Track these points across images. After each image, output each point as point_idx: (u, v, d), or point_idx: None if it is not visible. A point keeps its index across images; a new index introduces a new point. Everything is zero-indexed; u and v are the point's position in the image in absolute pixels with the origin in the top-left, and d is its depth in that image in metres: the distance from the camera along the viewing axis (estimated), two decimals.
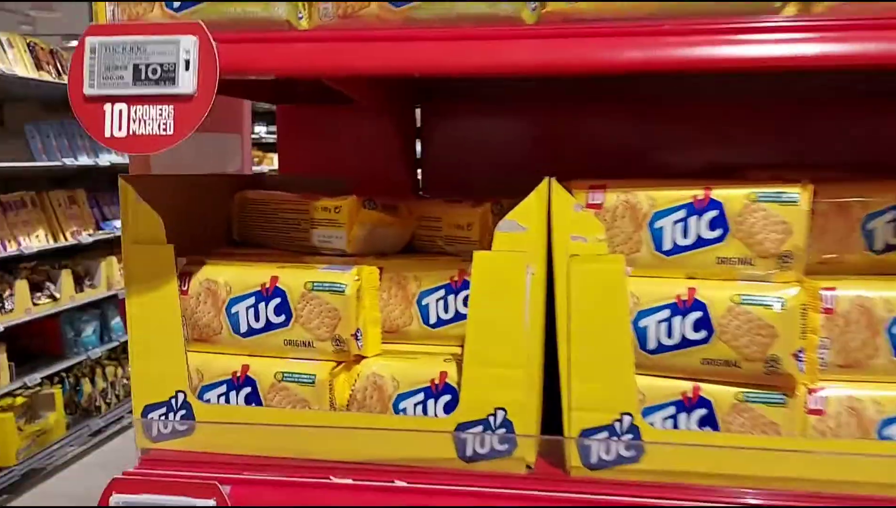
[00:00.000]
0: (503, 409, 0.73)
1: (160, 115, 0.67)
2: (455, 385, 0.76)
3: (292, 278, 0.80)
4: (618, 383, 0.71)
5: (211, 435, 0.78)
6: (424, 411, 0.77)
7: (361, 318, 0.79)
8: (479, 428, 0.74)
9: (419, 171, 1.22)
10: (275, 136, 3.48)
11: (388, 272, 0.85)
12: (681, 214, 0.71)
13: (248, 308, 0.80)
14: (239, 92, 1.13)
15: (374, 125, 1.21)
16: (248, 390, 0.79)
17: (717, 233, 0.71)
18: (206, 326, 0.83)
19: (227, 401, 0.80)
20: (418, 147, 1.22)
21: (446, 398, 0.77)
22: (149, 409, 0.80)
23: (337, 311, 0.78)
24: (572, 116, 1.16)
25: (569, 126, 1.17)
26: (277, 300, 0.79)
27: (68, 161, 3.27)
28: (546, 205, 0.72)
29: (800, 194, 0.70)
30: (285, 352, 0.80)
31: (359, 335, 0.79)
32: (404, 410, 0.77)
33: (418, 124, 1.22)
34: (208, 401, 0.80)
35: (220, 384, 0.80)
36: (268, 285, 0.80)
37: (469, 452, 0.74)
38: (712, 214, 0.71)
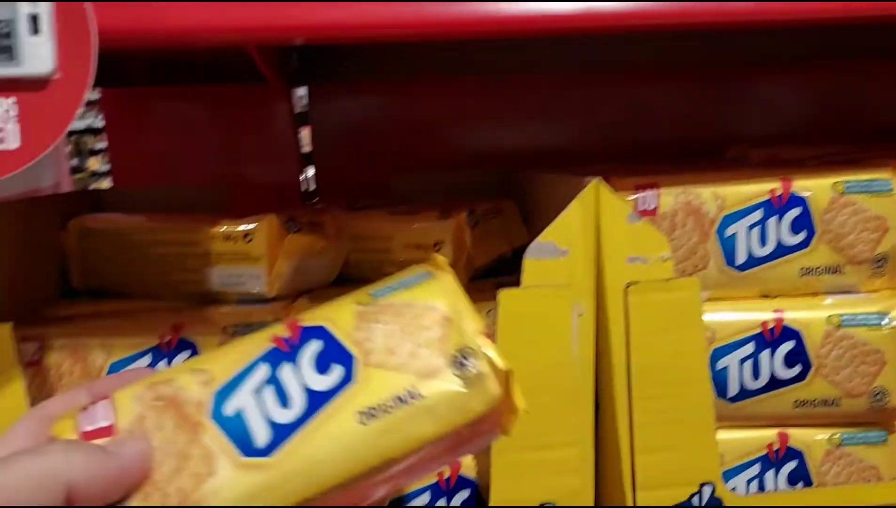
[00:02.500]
0: (551, 503, 0.53)
1: None
2: (474, 478, 0.54)
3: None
4: (696, 447, 0.54)
5: None
6: None
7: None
8: None
9: (308, 170, 0.96)
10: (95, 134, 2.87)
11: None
12: (756, 215, 0.54)
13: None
14: None
15: (243, 110, 0.93)
16: None
17: (801, 237, 0.55)
18: None
19: None
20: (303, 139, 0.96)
21: (463, 495, 0.54)
22: None
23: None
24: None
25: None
26: None
27: None
28: (594, 218, 0.52)
29: (892, 181, 0.55)
30: None
31: None
32: None
33: (299, 109, 0.96)
34: None
35: None
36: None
37: None
38: (795, 212, 0.55)
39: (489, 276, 0.68)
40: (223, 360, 0.37)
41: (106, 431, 0.34)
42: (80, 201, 0.78)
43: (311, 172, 0.95)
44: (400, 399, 0.36)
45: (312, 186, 0.96)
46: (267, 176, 0.94)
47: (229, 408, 0.35)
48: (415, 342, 0.37)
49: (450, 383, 0.36)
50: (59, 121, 0.38)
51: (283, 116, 0.94)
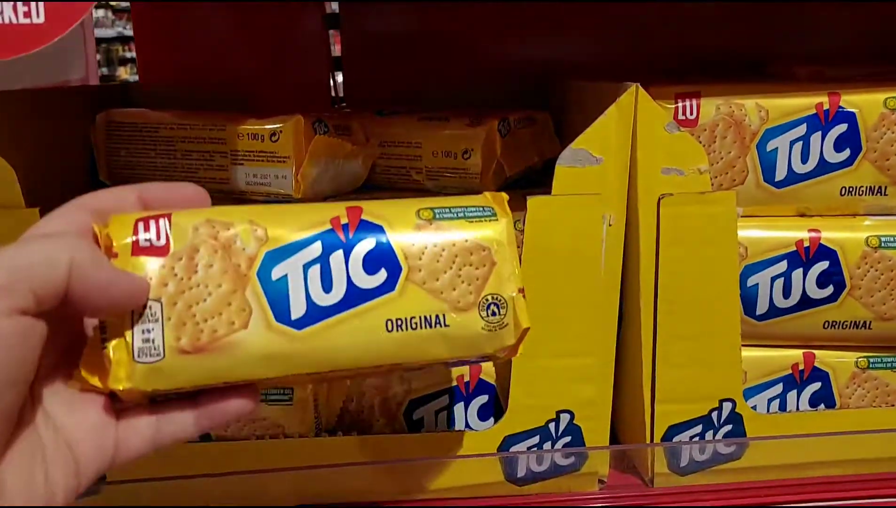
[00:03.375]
0: (569, 412, 0.53)
1: None
2: (493, 382, 0.55)
3: None
4: (719, 363, 0.53)
5: None
6: (450, 420, 0.55)
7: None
8: (536, 439, 0.53)
9: (338, 76, 0.94)
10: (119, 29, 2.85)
11: None
12: (800, 130, 0.52)
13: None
14: None
15: (273, 12, 0.90)
16: None
17: (844, 155, 0.53)
18: None
19: None
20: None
21: (482, 399, 0.55)
22: None
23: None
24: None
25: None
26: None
27: None
28: (631, 124, 0.50)
29: None
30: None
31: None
32: (421, 421, 0.55)
33: (330, 10, 0.93)
34: None
35: None
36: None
37: (521, 472, 0.54)
38: (840, 128, 0.52)
39: (517, 187, 0.67)
40: (282, 222, 0.38)
41: (161, 250, 0.36)
42: (108, 96, 0.78)
43: (339, 78, 0.93)
44: (427, 321, 0.39)
45: (340, 93, 0.94)
46: (294, 80, 0.92)
47: (276, 272, 0.37)
48: (458, 273, 0.39)
49: (475, 322, 0.39)
50: None
51: (313, 17, 0.91)
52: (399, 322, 0.38)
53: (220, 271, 0.36)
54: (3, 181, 0.47)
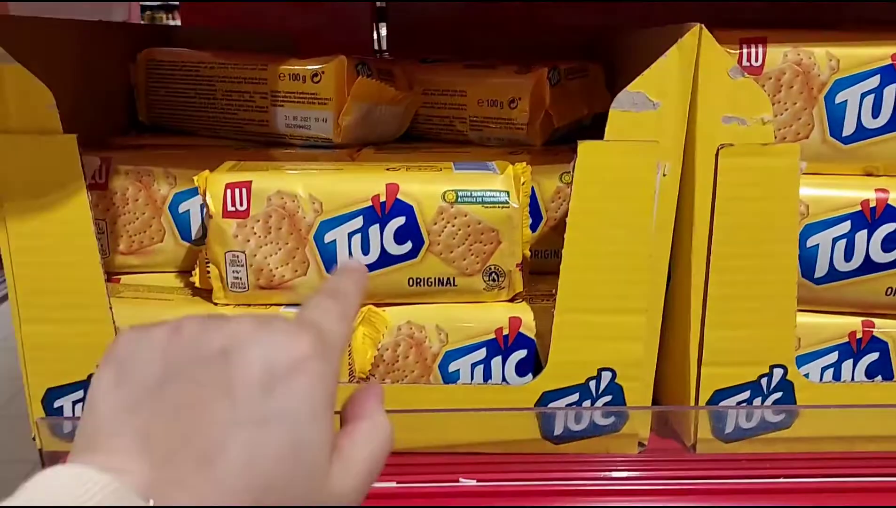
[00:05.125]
0: (611, 370, 0.51)
1: None
2: (533, 337, 0.53)
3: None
4: (772, 326, 0.50)
5: None
6: (486, 374, 0.53)
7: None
8: (576, 397, 0.51)
9: (381, 26, 0.92)
10: None
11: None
12: (873, 81, 0.49)
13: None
14: None
15: None
16: None
17: None
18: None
19: None
20: None
21: (520, 354, 0.53)
22: (55, 394, 0.51)
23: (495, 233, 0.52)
24: None
25: None
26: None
27: None
28: (692, 68, 0.47)
29: None
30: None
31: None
32: (456, 374, 0.53)
33: None
34: None
35: None
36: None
37: (559, 430, 0.52)
38: None
39: (566, 141, 0.65)
40: (335, 194, 0.50)
41: (243, 214, 0.50)
42: (150, 36, 0.76)
43: (383, 30, 0.91)
44: (440, 281, 0.52)
45: (384, 46, 0.92)
46: (337, 30, 0.90)
47: (328, 237, 0.51)
48: (469, 248, 0.51)
49: (477, 283, 0.52)
50: None
51: None
52: (418, 281, 0.52)
53: (286, 232, 0.50)
54: (42, 105, 0.46)
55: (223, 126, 0.65)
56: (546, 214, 0.58)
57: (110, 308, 0.49)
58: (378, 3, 0.90)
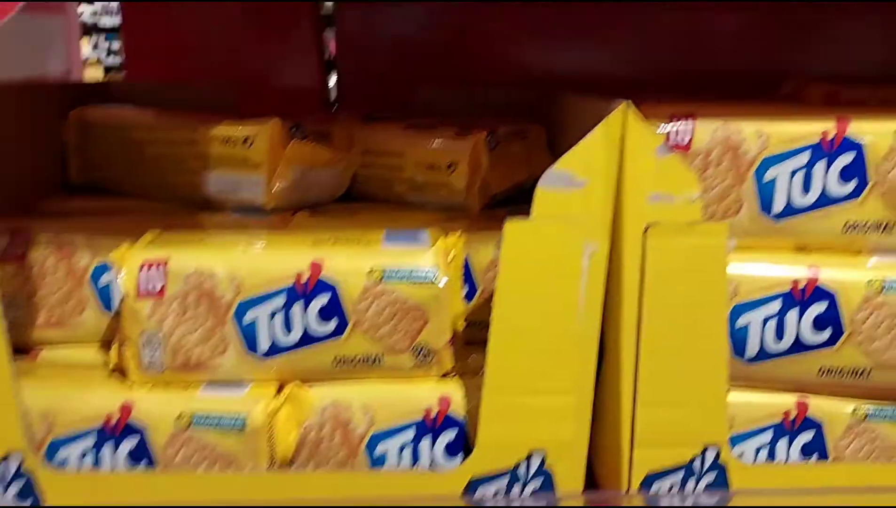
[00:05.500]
0: (541, 452, 0.49)
1: None
2: (462, 418, 0.51)
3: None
4: (704, 406, 0.49)
5: None
6: (414, 457, 0.51)
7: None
8: (504, 482, 0.50)
9: (332, 77, 0.91)
10: (108, 17, 2.80)
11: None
12: (802, 158, 0.48)
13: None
14: None
15: (266, 10, 0.87)
16: (132, 442, 0.49)
17: (850, 187, 0.49)
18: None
19: (98, 463, 0.50)
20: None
21: (449, 435, 0.51)
22: None
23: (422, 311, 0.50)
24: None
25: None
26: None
27: None
28: (618, 146, 0.46)
29: None
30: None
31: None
32: (383, 456, 0.51)
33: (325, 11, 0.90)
34: (64, 465, 0.49)
35: (85, 435, 0.49)
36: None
37: None
38: (847, 158, 0.48)
39: (506, 205, 0.63)
40: (257, 272, 0.49)
41: (159, 294, 0.48)
42: (87, 93, 0.75)
43: (333, 79, 0.90)
44: (366, 359, 0.50)
45: (334, 95, 0.91)
46: (286, 80, 0.89)
47: (248, 317, 0.49)
48: (396, 327, 0.50)
49: (406, 361, 0.51)
50: None
51: (308, 16, 0.88)
52: (343, 360, 0.50)
53: (206, 311, 0.49)
54: None
55: (155, 189, 0.64)
56: (481, 285, 0.57)
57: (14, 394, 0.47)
58: (326, 56, 0.90)
